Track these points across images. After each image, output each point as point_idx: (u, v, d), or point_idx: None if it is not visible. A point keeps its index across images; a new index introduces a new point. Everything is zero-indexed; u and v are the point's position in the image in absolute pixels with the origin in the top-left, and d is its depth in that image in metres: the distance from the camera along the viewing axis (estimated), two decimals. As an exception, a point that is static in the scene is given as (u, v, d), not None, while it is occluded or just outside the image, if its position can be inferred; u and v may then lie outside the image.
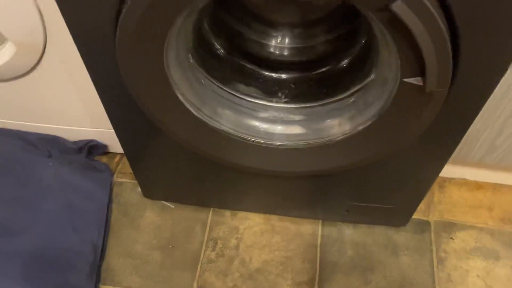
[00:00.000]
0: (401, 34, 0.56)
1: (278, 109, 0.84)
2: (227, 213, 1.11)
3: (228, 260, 1.04)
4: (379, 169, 0.87)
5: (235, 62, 0.83)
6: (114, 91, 0.76)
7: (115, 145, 1.14)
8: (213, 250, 1.06)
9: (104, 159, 1.19)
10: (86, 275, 0.98)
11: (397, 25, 0.54)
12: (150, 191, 1.10)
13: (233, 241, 1.07)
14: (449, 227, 1.09)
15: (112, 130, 0.88)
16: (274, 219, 1.10)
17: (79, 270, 0.99)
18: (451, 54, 0.57)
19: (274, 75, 0.84)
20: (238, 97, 0.83)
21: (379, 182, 0.92)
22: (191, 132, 0.79)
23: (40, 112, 1.06)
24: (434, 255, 1.05)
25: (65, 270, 0.98)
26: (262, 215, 1.11)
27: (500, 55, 0.60)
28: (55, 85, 0.96)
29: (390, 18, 0.54)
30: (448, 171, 1.15)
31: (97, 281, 1.01)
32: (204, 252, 1.05)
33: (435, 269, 1.03)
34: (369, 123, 0.73)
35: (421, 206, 1.11)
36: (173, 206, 1.12)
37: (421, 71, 0.60)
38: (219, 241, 1.07)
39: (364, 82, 0.75)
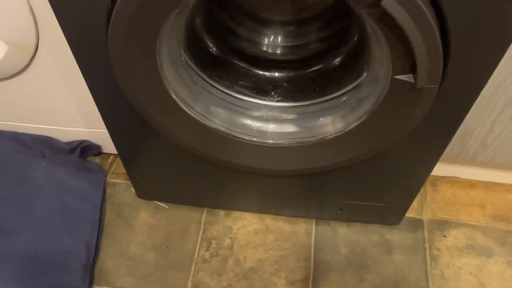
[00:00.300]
0: (392, 31, 0.56)
1: (271, 107, 0.84)
2: (221, 212, 1.11)
3: (222, 259, 1.04)
4: (372, 167, 0.87)
5: (228, 61, 0.84)
6: (107, 90, 0.76)
7: (109, 146, 1.13)
8: (207, 250, 1.06)
9: (97, 159, 1.18)
10: (79, 275, 0.98)
11: (388, 22, 0.55)
12: (144, 191, 1.10)
13: (227, 241, 1.07)
14: (442, 225, 1.10)
15: (105, 131, 0.88)
16: (268, 219, 1.10)
17: (73, 271, 0.98)
18: (441, 51, 0.57)
19: (267, 73, 0.85)
20: (231, 95, 0.83)
21: (372, 180, 0.92)
22: (184, 131, 0.79)
23: (33, 113, 1.06)
24: (427, 253, 1.06)
25: (59, 271, 0.98)
26: (256, 215, 1.11)
27: (490, 52, 0.61)
28: (47, 85, 0.96)
29: (381, 15, 0.54)
30: (441, 169, 1.15)
31: (91, 281, 1.00)
32: (198, 252, 1.05)
33: (428, 266, 1.04)
34: (361, 120, 0.73)
35: (414, 204, 1.12)
36: (167, 206, 1.12)
37: (412, 68, 0.60)
38: (213, 241, 1.07)
39: (357, 80, 0.75)
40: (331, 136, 0.78)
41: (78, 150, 1.12)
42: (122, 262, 1.04)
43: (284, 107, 0.83)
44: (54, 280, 0.96)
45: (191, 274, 1.02)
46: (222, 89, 0.82)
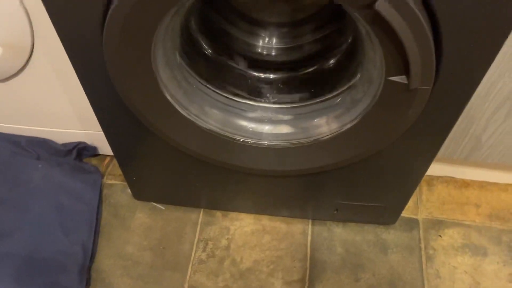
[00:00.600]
0: (385, 32, 0.57)
1: (266, 109, 0.84)
2: (218, 213, 1.12)
3: (219, 260, 1.04)
4: (367, 167, 0.88)
5: (223, 62, 0.84)
6: (102, 92, 0.76)
7: (105, 147, 1.14)
8: (204, 250, 1.06)
9: (94, 161, 1.19)
10: (76, 276, 0.98)
11: (381, 24, 0.55)
12: (140, 193, 1.10)
13: (224, 242, 1.07)
14: (437, 224, 1.11)
15: (102, 132, 0.88)
16: (265, 219, 1.11)
17: (70, 272, 0.99)
18: (434, 52, 0.58)
19: (262, 75, 0.85)
20: (226, 97, 0.83)
21: (367, 180, 0.93)
22: (179, 132, 0.80)
23: (29, 115, 1.06)
24: (423, 252, 1.06)
25: (56, 272, 0.98)
26: (252, 215, 1.11)
27: (482, 53, 0.61)
28: (43, 87, 0.96)
29: (374, 16, 0.55)
30: (436, 169, 1.16)
31: (88, 282, 1.01)
32: (195, 253, 1.05)
33: (424, 266, 1.04)
34: (356, 121, 0.73)
35: (410, 204, 1.13)
36: (163, 207, 1.12)
37: (405, 69, 0.61)
38: (209, 242, 1.07)
39: (351, 82, 0.76)
40: (326, 137, 0.78)
41: (74, 152, 1.12)
42: (118, 262, 1.04)
43: (279, 108, 0.84)
44: (51, 281, 0.97)
45: (188, 274, 1.03)
46: (217, 90, 0.83)
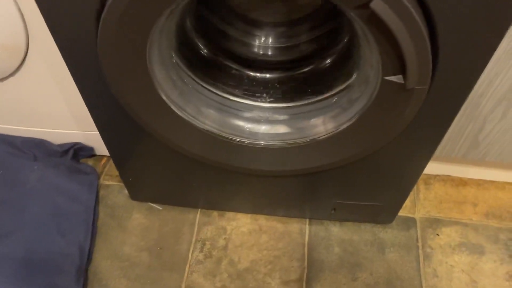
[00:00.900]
0: (381, 32, 0.57)
1: (263, 109, 0.84)
2: (215, 213, 1.11)
3: (216, 260, 1.04)
4: (364, 167, 0.88)
5: (219, 62, 0.84)
6: (97, 92, 0.76)
7: (101, 148, 1.13)
8: (201, 251, 1.06)
9: (90, 161, 1.18)
10: (73, 278, 0.98)
11: (376, 23, 0.55)
12: (137, 193, 1.09)
13: (221, 242, 1.07)
14: (435, 223, 1.11)
15: (98, 133, 0.88)
16: (262, 219, 1.11)
17: (67, 273, 0.98)
18: (430, 52, 0.58)
19: (258, 75, 0.85)
20: (222, 96, 0.83)
21: (364, 180, 0.92)
22: (175, 132, 0.79)
23: (25, 115, 1.05)
24: (420, 251, 1.06)
25: (53, 273, 0.98)
26: (249, 215, 1.11)
27: (479, 51, 0.61)
28: (38, 88, 0.95)
29: (370, 16, 0.55)
30: (433, 168, 1.16)
31: (85, 284, 1.00)
32: (192, 253, 1.05)
33: (421, 265, 1.04)
34: (352, 121, 0.73)
35: (407, 203, 1.13)
36: (160, 208, 1.12)
37: (402, 69, 0.61)
38: (207, 242, 1.07)
39: (347, 81, 0.75)
40: (322, 137, 0.78)
41: (71, 152, 1.12)
42: (115, 263, 1.04)
43: (275, 108, 0.84)
44: (47, 283, 0.96)
45: (185, 275, 1.02)
46: (213, 90, 0.82)
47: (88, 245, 1.03)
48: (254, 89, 0.84)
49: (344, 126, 0.75)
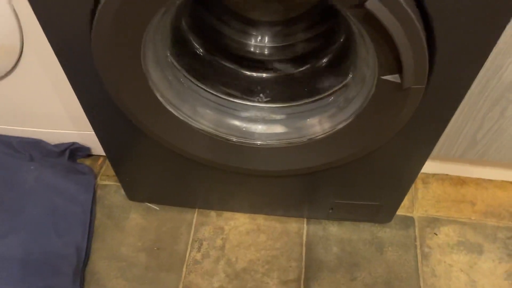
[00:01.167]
0: (377, 31, 0.56)
1: (259, 108, 0.84)
2: (212, 213, 1.11)
3: (214, 260, 1.04)
4: (362, 166, 0.87)
5: (215, 62, 0.83)
6: (92, 92, 0.75)
7: (98, 148, 1.13)
8: (199, 251, 1.05)
9: (87, 161, 1.18)
10: (70, 279, 0.97)
11: (372, 23, 0.55)
12: (134, 194, 1.09)
13: (219, 242, 1.07)
14: (433, 222, 1.10)
15: (94, 133, 0.88)
16: (260, 218, 1.10)
17: (64, 274, 0.98)
18: (427, 51, 0.57)
19: (255, 74, 0.84)
20: (218, 96, 0.82)
21: (362, 179, 0.92)
22: (172, 133, 0.79)
23: (20, 115, 1.05)
24: (419, 251, 1.06)
25: (50, 274, 0.97)
26: (247, 215, 1.11)
27: (476, 50, 0.61)
28: (34, 88, 0.95)
29: (366, 15, 0.54)
30: (431, 167, 1.16)
31: (82, 284, 1.00)
32: (190, 253, 1.05)
33: (420, 264, 1.04)
34: (349, 120, 0.73)
35: (405, 202, 1.12)
36: (157, 208, 1.11)
37: (398, 69, 0.60)
38: (204, 242, 1.06)
39: (344, 81, 0.75)
40: (320, 137, 0.78)
41: (67, 153, 1.11)
42: (113, 264, 1.03)
43: (272, 107, 0.83)
44: (44, 284, 0.96)
45: (183, 275, 1.02)
46: (210, 90, 0.82)
47: (85, 246, 1.03)
48: (250, 89, 0.84)
49: (341, 125, 0.74)
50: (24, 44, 0.83)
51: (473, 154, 1.01)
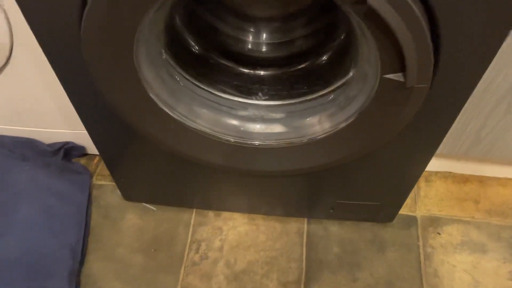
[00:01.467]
0: (379, 28, 0.53)
1: (258, 107, 0.81)
2: (211, 213, 1.09)
3: (212, 262, 1.02)
4: (364, 166, 0.85)
5: (211, 59, 0.80)
6: (84, 92, 0.73)
7: (93, 147, 1.09)
8: (197, 252, 1.03)
9: (82, 161, 1.15)
10: (65, 281, 0.95)
11: (375, 20, 0.52)
12: (130, 194, 1.07)
13: (217, 242, 1.04)
14: (436, 221, 1.08)
15: (89, 132, 0.85)
16: (259, 218, 1.08)
17: (59, 276, 0.96)
18: (432, 49, 0.55)
19: (252, 72, 0.81)
20: (215, 95, 0.80)
21: (364, 179, 0.90)
22: (167, 133, 0.76)
23: (13, 115, 1.02)
24: (421, 251, 1.04)
25: (44, 276, 0.95)
26: (246, 215, 1.08)
27: (483, 48, 0.58)
28: (25, 86, 0.92)
29: (367, 12, 0.51)
30: (434, 164, 1.13)
31: (78, 287, 0.98)
32: (188, 255, 1.03)
33: (422, 265, 1.02)
34: (351, 120, 0.70)
35: (408, 201, 1.10)
36: (154, 208, 1.09)
37: (402, 67, 0.57)
38: (202, 243, 1.04)
39: (344, 78, 0.72)
40: (320, 136, 0.75)
41: (61, 152, 1.09)
42: (109, 266, 1.01)
43: (270, 106, 0.81)
44: (39, 286, 0.94)
45: (180, 277, 1.00)
46: (206, 88, 0.79)
47: (81, 247, 1.01)
48: (248, 87, 0.81)
49: (342, 125, 0.72)
50: (14, 41, 0.81)
51: (477, 151, 0.99)
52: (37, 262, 0.96)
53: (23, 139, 1.09)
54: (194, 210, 1.09)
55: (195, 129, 0.77)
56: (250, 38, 0.81)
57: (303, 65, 0.80)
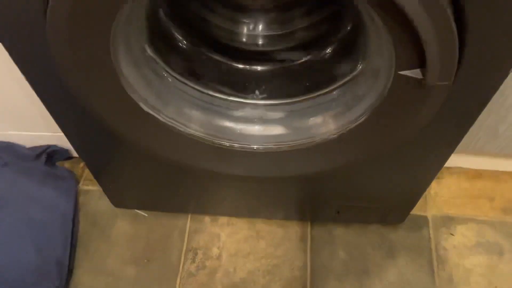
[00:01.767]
0: (395, 19, 0.45)
1: (255, 106, 0.73)
2: (207, 218, 1.01)
3: (210, 272, 0.95)
4: (373, 167, 0.77)
5: (202, 55, 0.72)
6: (56, 93, 0.64)
7: (79, 149, 1.02)
8: (193, 261, 0.96)
9: (67, 164, 1.08)
10: (52, 297, 0.89)
11: (390, 9, 0.44)
12: (120, 200, 0.99)
13: (215, 250, 0.97)
14: (448, 221, 1.01)
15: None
16: (259, 223, 1.01)
17: (45, 292, 0.89)
18: (457, 42, 0.46)
19: (248, 67, 0.73)
20: (207, 94, 0.72)
21: (374, 181, 0.82)
22: (155, 139, 0.69)
23: (-11, 118, 0.94)
24: (434, 254, 0.97)
25: (29, 292, 0.88)
26: (245, 219, 1.01)
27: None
28: (2, 88, 0.84)
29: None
30: (445, 160, 1.06)
31: (65, 303, 0.91)
32: (183, 265, 0.96)
33: (435, 269, 0.95)
34: (359, 121, 0.62)
35: (418, 200, 1.03)
36: (146, 214, 1.02)
37: (421, 63, 0.49)
38: (199, 251, 0.97)
39: (351, 74, 0.64)
40: (324, 139, 0.67)
41: (44, 156, 1.01)
42: (99, 279, 0.94)
43: (269, 105, 0.72)
44: (23, 304, 0.87)
45: (176, 289, 0.93)
46: (197, 87, 0.71)
47: (68, 260, 0.94)
48: (244, 84, 0.73)
49: (350, 127, 0.64)
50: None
51: (493, 147, 0.92)
52: (20, 278, 0.89)
53: (2, 143, 1.01)
54: (189, 215, 1.02)
55: (186, 133, 0.69)
56: (245, 30, 0.72)
57: (304, 60, 0.72)
